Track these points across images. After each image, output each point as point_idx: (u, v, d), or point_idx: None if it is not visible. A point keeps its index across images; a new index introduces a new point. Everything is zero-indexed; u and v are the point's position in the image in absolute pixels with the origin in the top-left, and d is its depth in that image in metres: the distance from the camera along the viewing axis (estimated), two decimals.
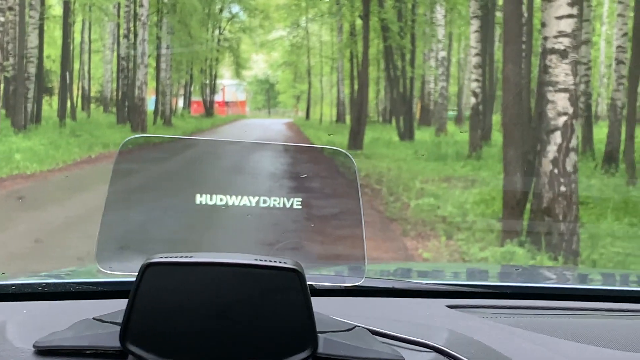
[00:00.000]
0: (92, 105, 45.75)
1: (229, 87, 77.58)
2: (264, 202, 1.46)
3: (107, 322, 1.27)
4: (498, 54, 26.20)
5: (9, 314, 1.48)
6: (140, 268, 1.10)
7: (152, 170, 1.62)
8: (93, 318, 1.30)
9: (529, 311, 1.90)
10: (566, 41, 7.98)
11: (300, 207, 1.47)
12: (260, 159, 1.77)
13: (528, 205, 8.55)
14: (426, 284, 2.14)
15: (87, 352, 1.20)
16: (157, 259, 1.10)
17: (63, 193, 12.37)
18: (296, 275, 1.11)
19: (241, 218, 1.48)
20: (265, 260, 1.11)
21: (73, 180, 14.36)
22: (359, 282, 1.46)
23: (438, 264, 7.16)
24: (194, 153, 1.58)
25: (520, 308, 1.91)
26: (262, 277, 1.11)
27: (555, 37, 8.00)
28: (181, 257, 1.11)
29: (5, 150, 16.71)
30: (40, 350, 1.22)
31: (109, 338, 1.18)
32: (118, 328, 1.15)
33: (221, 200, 1.44)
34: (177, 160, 1.61)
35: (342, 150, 1.56)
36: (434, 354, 1.33)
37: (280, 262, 1.12)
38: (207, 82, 57.47)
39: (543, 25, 8.22)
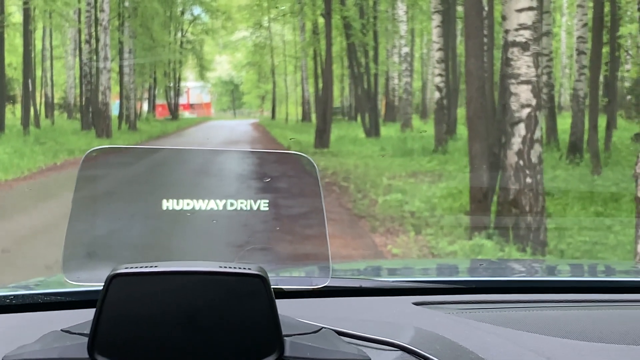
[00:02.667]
0: (56, 112, 45.35)
1: (194, 90, 77.26)
2: (232, 204, 1.46)
3: (75, 333, 1.26)
4: (460, 48, 26.35)
5: None
6: (106, 279, 1.10)
7: (116, 176, 1.62)
8: (61, 330, 1.30)
9: (495, 305, 1.91)
10: (527, 33, 8.05)
11: (267, 208, 1.47)
12: (225, 162, 1.77)
13: (495, 198, 8.62)
14: (393, 281, 2.15)
15: None
16: (122, 270, 1.11)
17: (29, 201, 12.25)
18: (260, 280, 1.12)
19: (209, 222, 1.48)
20: (230, 267, 1.13)
21: (38, 188, 14.23)
22: (326, 283, 1.48)
23: (406, 260, 7.19)
24: (160, 159, 1.58)
25: (486, 302, 1.92)
26: (227, 283, 1.12)
27: (516, 29, 8.08)
28: (146, 267, 1.12)
29: None
30: None
31: (77, 350, 1.17)
32: (86, 339, 1.15)
33: (188, 204, 1.44)
34: (143, 166, 1.60)
35: (304, 155, 1.56)
36: (400, 353, 1.34)
37: (244, 268, 1.13)
38: (171, 85, 57.21)
39: (504, 18, 8.29)
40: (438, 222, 9.63)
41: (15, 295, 1.79)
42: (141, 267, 1.12)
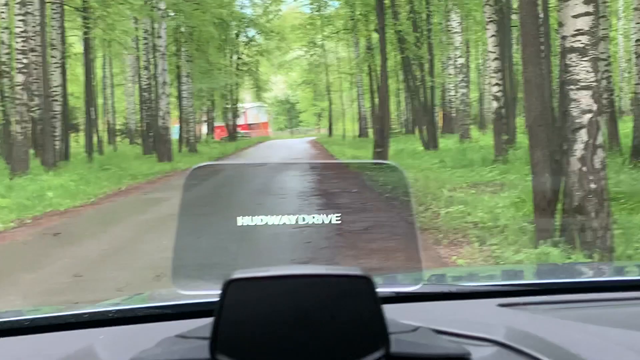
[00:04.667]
0: (118, 138, 46.16)
1: (251, 110, 77.99)
2: (303, 219, 1.53)
3: (191, 337, 1.36)
4: (516, 56, 26.16)
5: (89, 340, 1.57)
6: (224, 284, 1.18)
7: (216, 190, 1.71)
8: (175, 336, 1.39)
9: (575, 304, 1.98)
10: (584, 39, 8.00)
11: (339, 222, 1.54)
12: (305, 175, 1.85)
13: (559, 205, 8.54)
14: (476, 286, 2.23)
15: None
16: (238, 275, 1.19)
17: (97, 227, 12.52)
18: (366, 281, 1.19)
19: (296, 235, 1.55)
20: (338, 270, 1.20)
21: (105, 213, 14.52)
22: (418, 287, 1.55)
23: (475, 267, 7.17)
24: (254, 172, 1.66)
25: (566, 302, 1.99)
26: (336, 285, 1.20)
27: (573, 35, 8.02)
28: (260, 271, 1.20)
29: (38, 189, 16.93)
30: None
31: (199, 351, 1.26)
32: (203, 342, 1.24)
33: (269, 221, 1.51)
34: (240, 179, 1.69)
35: (394, 164, 1.63)
36: (497, 348, 1.40)
37: (351, 270, 1.20)
38: (229, 106, 57.83)
39: (560, 24, 8.24)
40: (502, 232, 9.57)
41: (117, 310, 1.90)
42: (255, 272, 1.20)
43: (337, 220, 1.55)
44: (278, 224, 1.52)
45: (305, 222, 1.54)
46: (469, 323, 1.55)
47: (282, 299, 1.19)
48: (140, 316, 1.87)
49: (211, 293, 1.26)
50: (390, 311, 1.24)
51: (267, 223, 1.52)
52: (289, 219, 1.54)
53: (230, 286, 1.18)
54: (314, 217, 1.54)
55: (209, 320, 1.21)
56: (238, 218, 1.51)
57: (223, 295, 1.18)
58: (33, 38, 21.73)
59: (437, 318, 1.61)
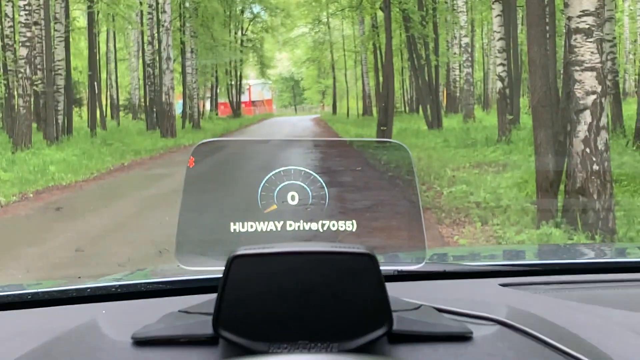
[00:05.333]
0: (121, 113, 46.14)
1: (255, 87, 77.94)
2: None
3: (194, 312, 1.37)
4: (521, 37, 26.10)
5: (91, 314, 1.57)
6: (228, 260, 1.18)
7: (221, 167, 1.71)
8: (179, 311, 1.40)
9: (576, 285, 1.99)
10: (590, 20, 7.96)
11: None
12: (309, 153, 1.85)
13: (562, 186, 8.54)
14: (478, 265, 2.22)
15: (182, 340, 1.30)
16: (242, 251, 1.18)
17: (99, 202, 12.53)
18: (370, 259, 1.18)
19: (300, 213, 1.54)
20: (341, 247, 1.20)
21: (107, 188, 14.54)
22: (421, 265, 1.55)
23: (476, 247, 7.18)
24: (258, 148, 1.66)
25: (567, 283, 2.00)
26: (340, 262, 1.19)
27: (579, 16, 7.99)
28: (264, 248, 1.19)
29: (40, 163, 16.96)
30: (138, 342, 1.31)
31: (201, 326, 1.27)
32: (206, 318, 1.25)
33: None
34: (244, 155, 1.69)
35: (399, 143, 1.63)
36: (498, 327, 1.40)
37: (355, 247, 1.19)
38: (233, 83, 57.77)
39: (566, 5, 8.20)
40: (505, 212, 9.58)
41: (120, 285, 1.91)
42: (259, 248, 1.20)
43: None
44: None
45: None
46: (471, 302, 1.55)
47: (286, 275, 1.18)
48: (143, 291, 1.88)
49: (215, 269, 1.26)
50: (392, 289, 1.24)
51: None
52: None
53: (234, 262, 1.17)
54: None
55: (213, 296, 1.22)
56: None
57: (227, 271, 1.18)
58: (37, 11, 21.64)
59: (439, 297, 1.62)
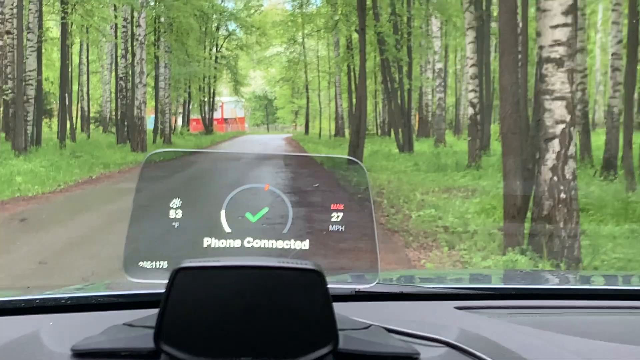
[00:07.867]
0: (92, 126, 45.87)
1: (228, 104, 77.81)
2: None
3: (137, 326, 1.34)
4: (494, 64, 26.28)
5: (37, 326, 1.54)
6: (172, 273, 1.16)
7: (174, 178, 1.68)
8: (123, 324, 1.36)
9: (534, 310, 1.98)
10: (562, 50, 8.03)
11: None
12: (268, 169, 1.83)
13: (529, 214, 8.58)
14: (434, 287, 2.20)
15: (123, 354, 1.27)
16: (187, 264, 1.16)
17: (65, 214, 12.41)
18: (317, 275, 1.17)
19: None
20: (288, 263, 1.17)
21: (74, 201, 14.40)
22: (373, 285, 1.53)
23: (442, 271, 7.19)
24: (214, 161, 1.63)
25: (525, 308, 1.99)
26: (286, 278, 1.17)
27: (551, 45, 8.06)
28: (209, 261, 1.17)
29: (7, 173, 16.76)
30: (77, 354, 1.29)
31: (142, 340, 1.25)
32: (149, 331, 1.22)
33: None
34: (199, 167, 1.66)
35: (355, 160, 1.62)
36: (446, 349, 1.39)
37: (301, 263, 1.17)
38: (206, 99, 57.64)
39: (538, 34, 8.28)
40: (472, 237, 9.60)
41: (70, 297, 1.87)
42: (204, 261, 1.17)
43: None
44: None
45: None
46: (422, 324, 1.54)
47: (231, 289, 1.16)
48: (93, 304, 1.84)
49: (163, 282, 1.24)
50: (347, 309, 1.22)
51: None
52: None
53: (178, 275, 1.16)
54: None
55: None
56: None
57: (170, 284, 1.16)
58: (9, 20, 21.49)
59: (392, 317, 1.60)
